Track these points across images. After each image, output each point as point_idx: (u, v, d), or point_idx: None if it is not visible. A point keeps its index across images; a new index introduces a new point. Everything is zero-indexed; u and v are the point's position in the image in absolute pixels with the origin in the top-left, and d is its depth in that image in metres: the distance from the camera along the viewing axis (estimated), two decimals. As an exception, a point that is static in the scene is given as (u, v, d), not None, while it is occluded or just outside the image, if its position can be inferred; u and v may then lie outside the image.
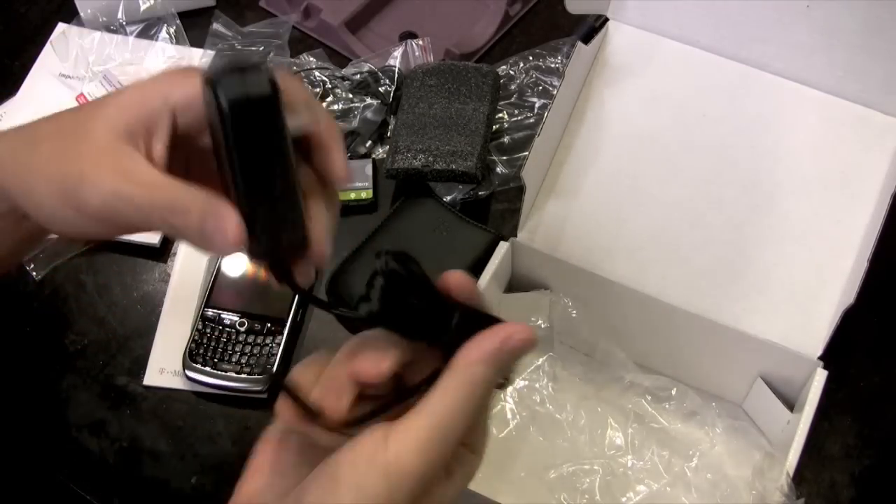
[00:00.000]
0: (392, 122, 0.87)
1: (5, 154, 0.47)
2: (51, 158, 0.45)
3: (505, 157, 0.83)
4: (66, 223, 0.44)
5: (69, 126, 0.46)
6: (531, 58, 0.89)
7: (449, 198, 0.81)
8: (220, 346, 0.73)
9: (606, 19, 0.73)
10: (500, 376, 0.42)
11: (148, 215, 0.42)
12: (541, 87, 0.88)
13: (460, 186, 0.81)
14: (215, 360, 0.72)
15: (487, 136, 0.81)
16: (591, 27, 0.72)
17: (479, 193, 0.81)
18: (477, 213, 0.81)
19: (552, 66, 0.89)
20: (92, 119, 0.44)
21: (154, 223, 0.42)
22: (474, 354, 0.41)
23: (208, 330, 0.73)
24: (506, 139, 0.85)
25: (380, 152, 0.86)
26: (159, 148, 0.43)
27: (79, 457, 0.71)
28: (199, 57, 0.92)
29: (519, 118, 0.86)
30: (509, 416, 0.71)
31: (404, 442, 0.38)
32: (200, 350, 0.73)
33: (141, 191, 0.42)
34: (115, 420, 0.72)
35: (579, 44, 0.69)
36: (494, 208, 0.82)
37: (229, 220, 0.41)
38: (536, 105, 0.86)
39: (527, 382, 0.72)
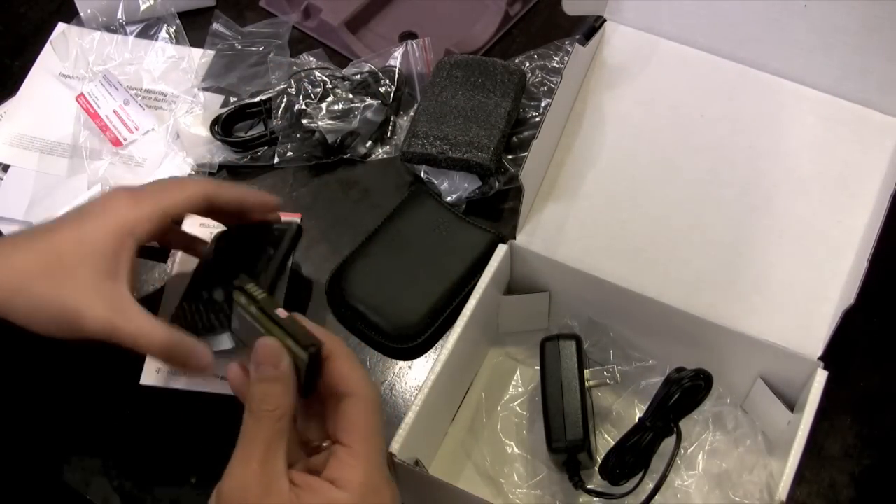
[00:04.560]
0: (394, 121, 0.87)
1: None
2: (44, 297, 0.57)
3: (511, 156, 0.83)
4: (58, 336, 0.58)
5: (54, 264, 0.57)
6: (536, 56, 0.89)
7: (454, 196, 0.81)
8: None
9: (604, 20, 0.73)
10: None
11: (135, 343, 0.57)
12: (546, 87, 0.88)
13: (466, 185, 0.81)
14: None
15: (506, 131, 0.81)
16: (592, 27, 0.72)
17: (486, 192, 0.81)
18: (484, 212, 0.81)
19: (557, 66, 0.89)
20: (73, 256, 0.57)
21: (134, 347, 0.57)
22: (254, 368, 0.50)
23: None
24: (514, 138, 0.85)
25: (380, 152, 0.86)
26: (123, 272, 0.57)
27: (78, 457, 0.71)
28: (199, 57, 0.92)
29: (525, 116, 0.86)
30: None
31: (230, 464, 0.48)
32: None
33: (131, 327, 0.57)
34: (113, 420, 0.72)
35: (577, 45, 0.69)
36: (501, 206, 0.82)
37: (203, 355, 0.59)
38: (542, 104, 0.86)
39: (534, 384, 0.72)
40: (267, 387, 0.48)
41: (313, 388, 0.52)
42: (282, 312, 0.51)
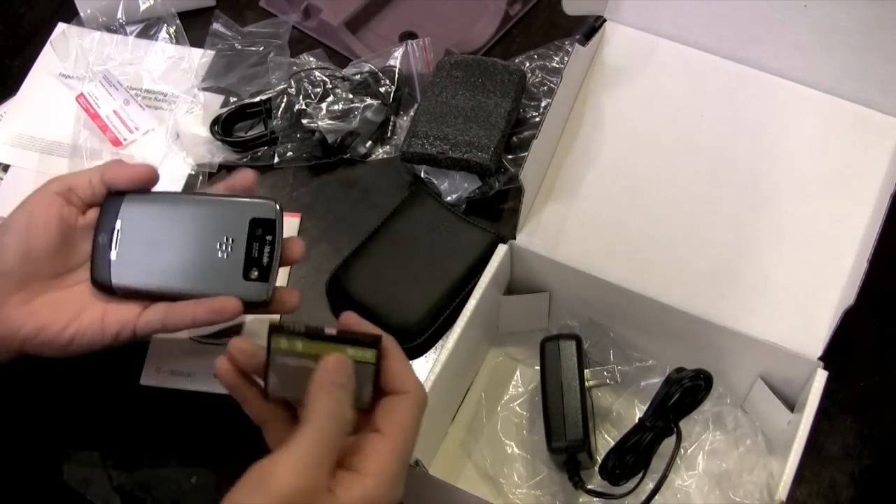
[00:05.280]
0: (394, 121, 0.87)
1: None
2: (28, 316, 0.61)
3: (511, 156, 0.83)
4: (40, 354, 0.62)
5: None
6: (536, 56, 0.89)
7: (454, 196, 0.81)
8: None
9: (604, 20, 0.73)
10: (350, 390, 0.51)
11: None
12: (546, 87, 0.88)
13: (466, 185, 0.81)
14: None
15: (506, 131, 0.81)
16: (592, 27, 0.72)
17: (486, 192, 0.81)
18: (484, 212, 0.81)
19: (557, 66, 0.89)
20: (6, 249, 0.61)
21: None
22: (322, 375, 0.50)
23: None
24: (514, 138, 0.85)
25: (380, 152, 0.86)
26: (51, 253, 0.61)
27: (77, 457, 0.71)
28: (199, 57, 0.92)
29: (525, 116, 0.86)
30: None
31: (284, 464, 0.46)
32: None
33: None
34: (113, 420, 0.72)
35: (577, 45, 0.69)
36: (501, 206, 0.82)
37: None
38: (542, 104, 0.86)
39: (534, 384, 0.72)
40: (339, 393, 0.50)
41: (378, 390, 0.53)
42: (330, 329, 0.52)
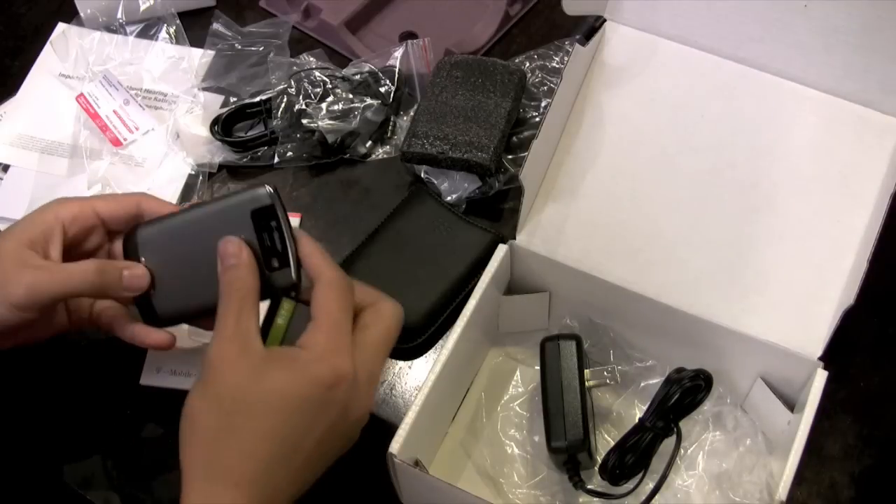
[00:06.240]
0: (394, 121, 0.87)
1: None
2: None
3: (511, 156, 0.83)
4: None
5: None
6: (536, 56, 0.89)
7: (455, 196, 0.81)
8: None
9: (604, 20, 0.73)
10: None
11: (64, 286, 0.60)
12: (546, 87, 0.88)
13: (466, 185, 0.81)
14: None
15: (506, 131, 0.81)
16: (592, 27, 0.72)
17: (486, 192, 0.81)
18: (484, 212, 0.81)
19: (557, 66, 0.89)
20: (3, 240, 0.61)
21: (70, 292, 0.61)
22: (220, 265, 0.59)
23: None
24: (514, 138, 0.85)
25: (380, 152, 0.86)
26: (55, 251, 0.62)
27: (78, 457, 0.71)
28: (199, 57, 0.92)
29: (525, 116, 0.86)
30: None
31: (212, 341, 0.56)
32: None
33: (52, 271, 0.60)
34: (113, 420, 0.72)
35: (577, 45, 0.69)
36: (501, 206, 0.82)
37: (138, 270, 0.62)
38: (542, 104, 0.86)
39: (534, 384, 0.72)
40: (232, 273, 0.57)
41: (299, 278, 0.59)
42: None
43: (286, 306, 0.58)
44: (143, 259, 0.63)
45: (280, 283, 0.60)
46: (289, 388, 0.54)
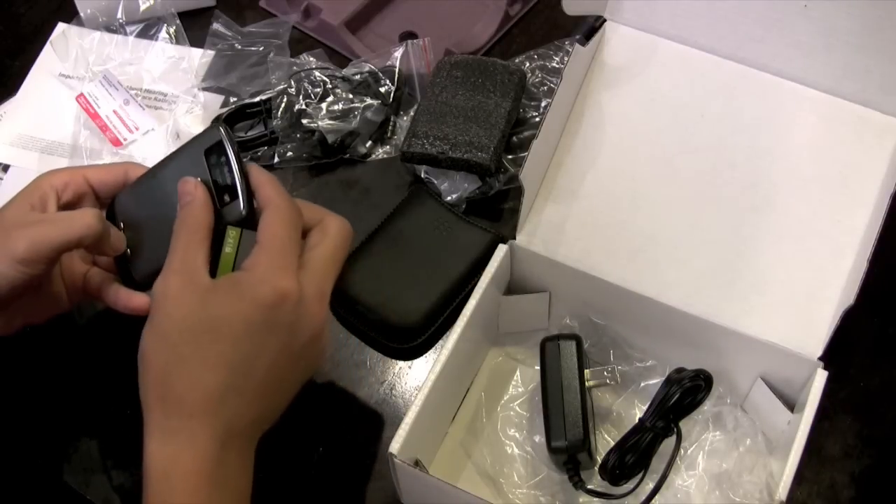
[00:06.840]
0: (394, 121, 0.87)
1: None
2: None
3: (511, 156, 0.83)
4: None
5: None
6: (536, 56, 0.89)
7: (455, 196, 0.81)
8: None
9: (604, 20, 0.73)
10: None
11: (66, 232, 0.59)
12: (546, 87, 0.88)
13: (466, 185, 0.81)
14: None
15: (506, 131, 0.81)
16: (592, 27, 0.72)
17: (486, 192, 0.81)
18: (484, 212, 0.81)
19: (557, 66, 0.89)
20: (3, 210, 0.62)
21: (72, 240, 0.59)
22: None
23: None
24: (514, 138, 0.85)
25: (380, 152, 0.86)
26: (52, 210, 0.63)
27: (78, 457, 0.71)
28: (199, 57, 0.92)
29: (525, 116, 0.86)
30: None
31: (163, 270, 0.57)
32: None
33: (54, 220, 0.60)
34: (113, 420, 0.72)
35: (577, 45, 0.69)
36: (501, 206, 0.82)
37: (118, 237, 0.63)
38: (542, 104, 0.86)
39: (534, 384, 0.72)
40: (185, 210, 0.58)
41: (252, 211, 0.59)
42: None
43: (232, 234, 0.59)
44: (121, 224, 0.64)
45: (232, 215, 0.60)
46: (232, 313, 0.54)
